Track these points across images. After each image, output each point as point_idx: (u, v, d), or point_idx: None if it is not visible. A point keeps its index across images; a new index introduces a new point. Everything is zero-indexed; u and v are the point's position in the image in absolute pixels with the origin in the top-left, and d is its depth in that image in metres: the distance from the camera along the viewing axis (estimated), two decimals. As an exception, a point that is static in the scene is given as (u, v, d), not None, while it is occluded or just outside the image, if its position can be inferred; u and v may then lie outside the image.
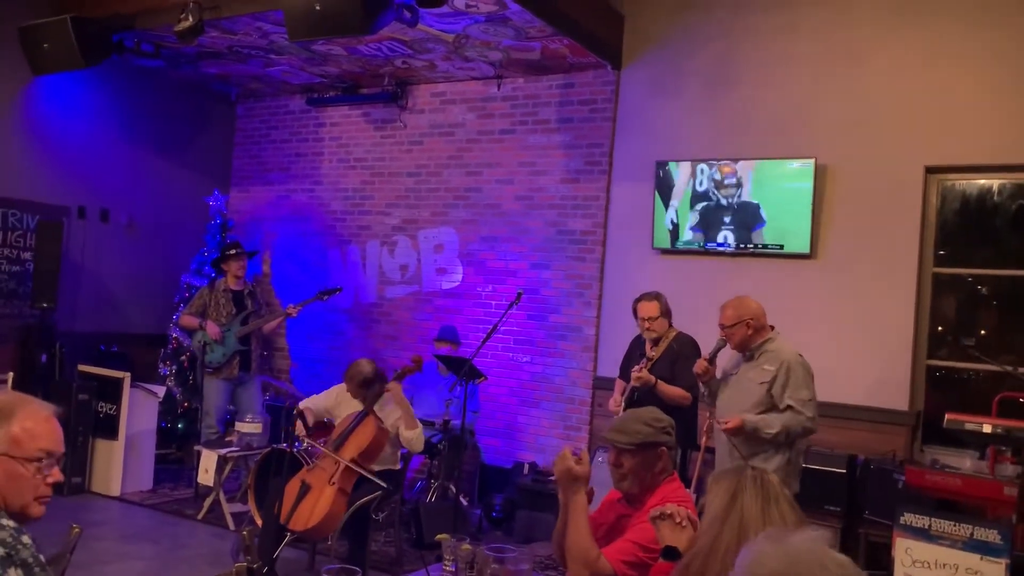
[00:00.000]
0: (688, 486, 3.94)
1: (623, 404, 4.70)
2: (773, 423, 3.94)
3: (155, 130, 7.97)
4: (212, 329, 6.50)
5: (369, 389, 4.77)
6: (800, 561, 1.33)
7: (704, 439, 4.36)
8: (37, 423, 1.94)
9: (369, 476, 4.55)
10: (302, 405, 5.05)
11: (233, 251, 6.74)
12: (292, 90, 8.11)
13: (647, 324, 4.89)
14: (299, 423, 4.72)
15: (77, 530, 2.79)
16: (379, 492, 4.61)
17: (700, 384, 4.32)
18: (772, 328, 4.22)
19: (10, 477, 1.89)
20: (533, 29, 5.89)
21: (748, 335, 4.16)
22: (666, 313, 4.95)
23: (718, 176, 6.02)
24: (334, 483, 4.48)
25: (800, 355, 4.10)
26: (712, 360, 4.26)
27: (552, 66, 6.68)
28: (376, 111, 7.75)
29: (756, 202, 5.88)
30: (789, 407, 3.95)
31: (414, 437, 4.85)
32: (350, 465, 4.51)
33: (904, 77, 5.56)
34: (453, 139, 7.34)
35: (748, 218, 5.92)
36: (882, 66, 5.64)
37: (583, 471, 2.63)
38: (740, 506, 1.99)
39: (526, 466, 6.32)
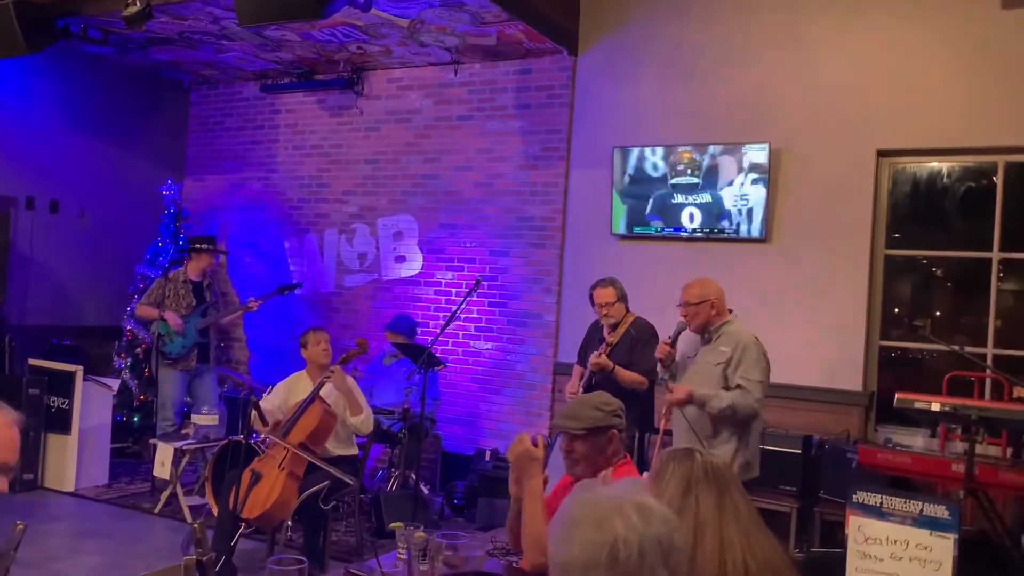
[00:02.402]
0: (646, 469, 3.96)
1: (581, 390, 4.71)
2: (723, 398, 3.97)
3: (106, 118, 7.79)
4: (173, 320, 6.34)
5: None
6: (598, 507, 1.37)
7: (664, 422, 4.38)
8: None
9: (317, 463, 4.54)
10: (261, 403, 5.02)
11: (207, 247, 6.59)
12: (246, 76, 7.98)
13: (604, 310, 4.91)
14: (255, 414, 4.68)
15: (21, 527, 2.72)
16: (327, 482, 4.59)
17: (660, 368, 4.33)
18: (731, 312, 4.26)
19: None
20: (488, 14, 5.84)
21: (711, 315, 4.16)
22: (622, 298, 4.97)
23: (674, 161, 6.04)
24: (283, 468, 4.49)
25: (756, 338, 4.14)
26: (674, 343, 4.28)
27: (509, 52, 6.65)
28: (332, 97, 7.65)
29: (711, 187, 5.91)
30: (739, 386, 3.99)
31: (359, 422, 4.89)
32: (296, 451, 4.50)
33: (857, 63, 5.62)
34: (410, 126, 7.27)
35: (703, 203, 5.95)
36: (835, 52, 5.69)
37: (540, 453, 2.65)
38: (695, 502, 1.92)
39: (487, 453, 6.31)
